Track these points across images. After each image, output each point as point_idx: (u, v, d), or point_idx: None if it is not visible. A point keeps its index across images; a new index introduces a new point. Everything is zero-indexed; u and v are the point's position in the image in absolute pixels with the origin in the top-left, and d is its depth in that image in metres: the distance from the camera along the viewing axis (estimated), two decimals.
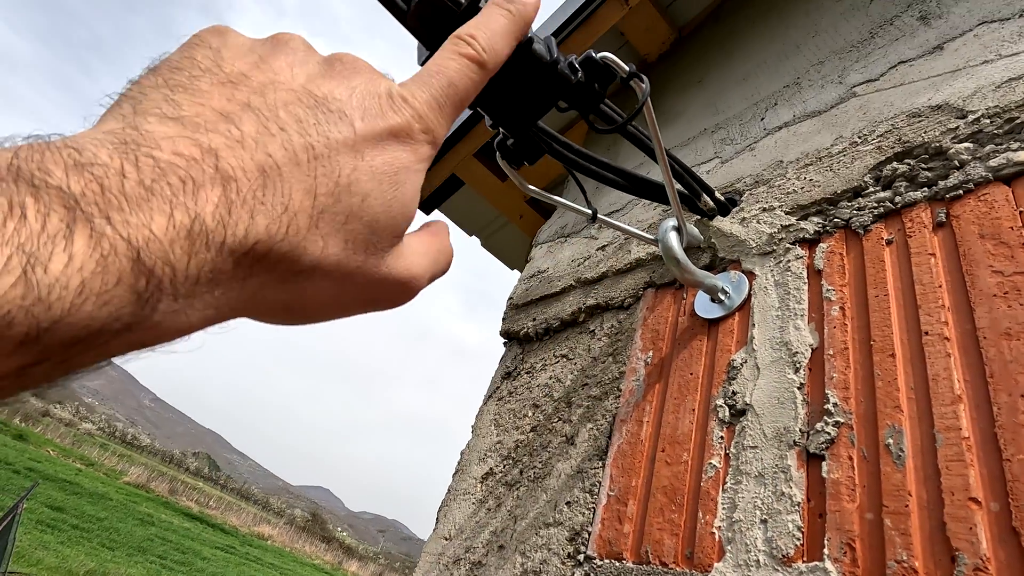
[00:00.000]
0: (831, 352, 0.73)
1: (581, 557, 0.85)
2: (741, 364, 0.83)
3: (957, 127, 0.78)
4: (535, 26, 2.05)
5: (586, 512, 0.90)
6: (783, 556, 0.63)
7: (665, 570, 0.73)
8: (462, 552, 1.08)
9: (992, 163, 0.72)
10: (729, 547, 0.68)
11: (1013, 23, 0.86)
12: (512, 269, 2.89)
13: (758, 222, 0.97)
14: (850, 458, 0.64)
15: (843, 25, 1.22)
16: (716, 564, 0.68)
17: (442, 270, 0.39)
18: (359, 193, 0.30)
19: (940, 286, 0.68)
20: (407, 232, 0.36)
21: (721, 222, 1.03)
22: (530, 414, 1.19)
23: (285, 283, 0.29)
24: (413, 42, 0.75)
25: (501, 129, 0.76)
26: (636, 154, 1.56)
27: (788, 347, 0.78)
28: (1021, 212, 0.67)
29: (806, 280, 0.84)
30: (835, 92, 1.06)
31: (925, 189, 0.77)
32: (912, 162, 0.81)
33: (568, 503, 0.94)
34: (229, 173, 0.25)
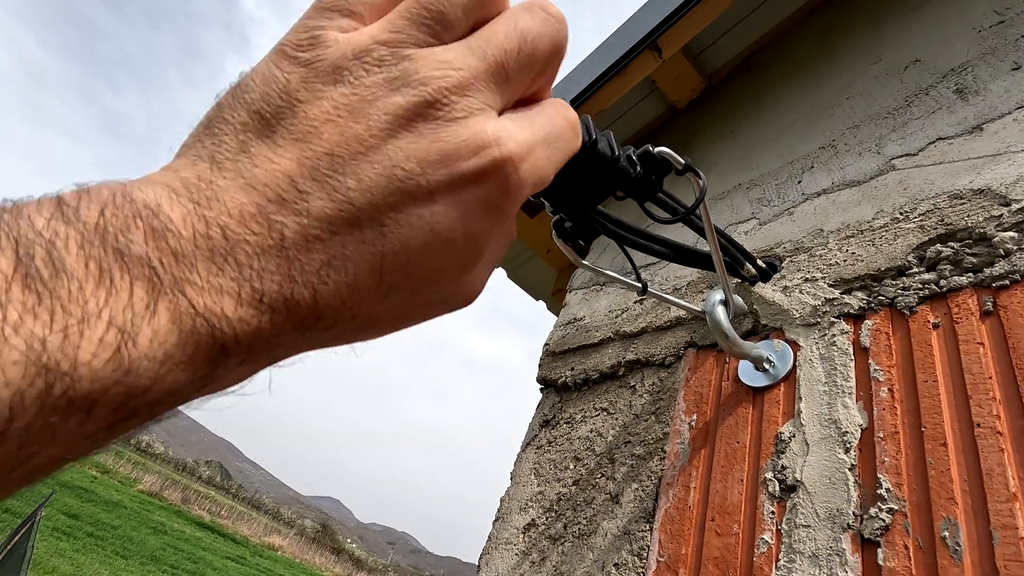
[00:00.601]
0: (881, 435, 0.76)
1: None
2: (789, 438, 0.86)
3: (1001, 215, 0.81)
4: (566, 71, 2.11)
5: None
6: None
7: None
8: None
9: None
10: None
11: None
12: (537, 300, 2.93)
13: (801, 292, 1.00)
14: (906, 547, 0.66)
15: (877, 89, 1.26)
16: None
17: (499, 259, 0.35)
18: (430, 267, 0.28)
19: (990, 377, 0.71)
20: None
21: (763, 289, 1.06)
22: (571, 467, 1.22)
23: (345, 336, 0.29)
24: None
25: (560, 213, 0.80)
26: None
27: (837, 425, 0.81)
28: None
29: (852, 357, 0.87)
30: (874, 163, 1.09)
31: (970, 275, 0.80)
32: (956, 245, 0.84)
33: (616, 565, 0.97)
34: (292, 253, 0.25)
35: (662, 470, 1.01)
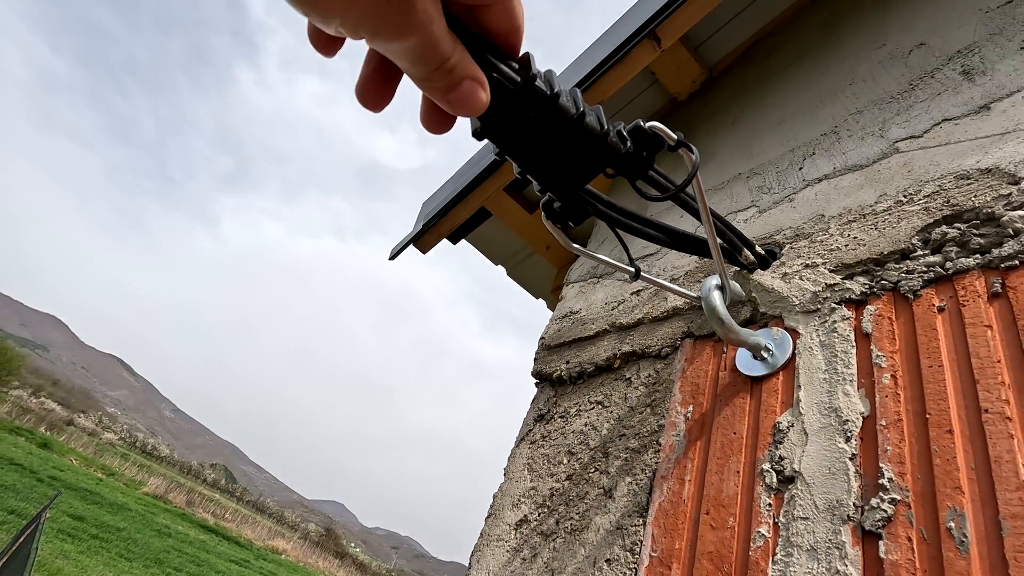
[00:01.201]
0: (884, 423, 0.72)
1: None
2: (788, 428, 0.82)
3: (1010, 193, 0.78)
4: (566, 63, 2.08)
5: (627, 572, 0.89)
6: None
7: None
8: None
9: None
10: None
11: None
12: (536, 298, 2.90)
13: (800, 278, 0.96)
14: (909, 539, 0.63)
15: (881, 75, 1.22)
16: None
17: (439, 59, 0.38)
18: None
19: (999, 361, 0.67)
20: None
21: (762, 276, 1.03)
22: (565, 461, 1.18)
23: None
24: None
25: (549, 193, 0.77)
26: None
27: (838, 414, 0.77)
28: None
29: (854, 343, 0.83)
30: (877, 146, 1.06)
31: (978, 256, 0.76)
32: (962, 226, 0.80)
33: (608, 560, 0.93)
34: None
35: (656, 463, 0.98)
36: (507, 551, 1.14)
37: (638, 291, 1.33)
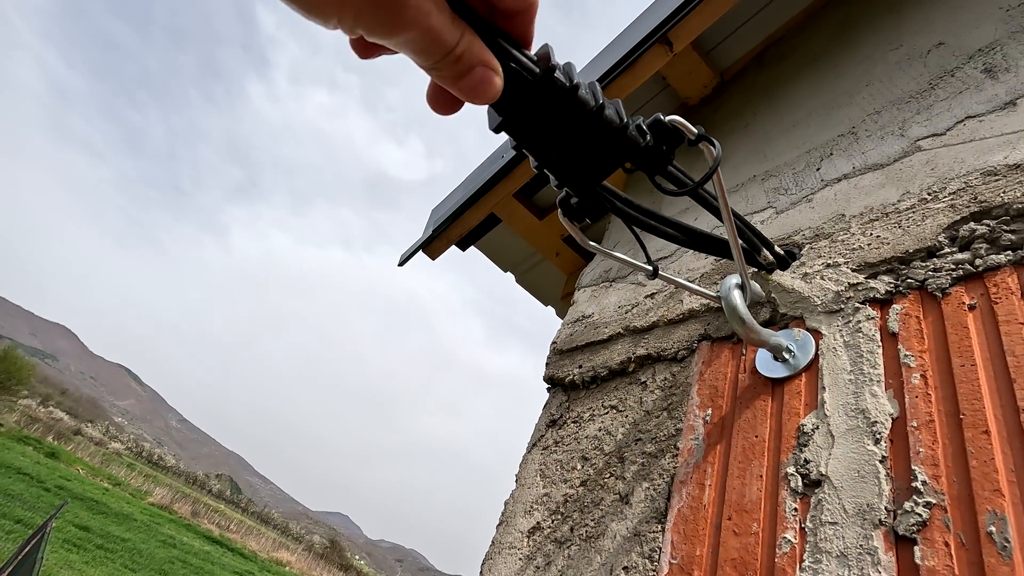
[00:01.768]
0: (915, 424, 0.70)
1: None
2: (812, 430, 0.79)
3: None
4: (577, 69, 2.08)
5: None
6: None
7: None
8: None
9: None
10: None
11: None
12: (546, 305, 2.88)
13: (822, 278, 0.94)
14: (946, 544, 0.60)
15: (899, 75, 1.21)
16: None
17: (444, 48, 0.38)
18: None
19: None
20: None
21: (781, 276, 1.01)
22: (579, 467, 1.16)
23: None
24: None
25: (566, 189, 0.76)
26: (661, 197, 1.55)
27: (865, 415, 0.75)
28: None
29: (880, 343, 0.80)
30: (897, 145, 1.04)
31: (1009, 252, 0.74)
32: (992, 223, 0.78)
33: (626, 568, 0.90)
34: None
35: (675, 468, 0.95)
36: (520, 559, 1.12)
37: (652, 294, 1.31)
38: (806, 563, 0.69)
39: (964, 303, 0.75)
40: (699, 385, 1.02)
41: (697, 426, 0.97)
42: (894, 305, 0.82)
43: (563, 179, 0.71)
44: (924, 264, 0.82)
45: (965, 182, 0.86)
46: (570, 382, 1.35)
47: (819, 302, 0.92)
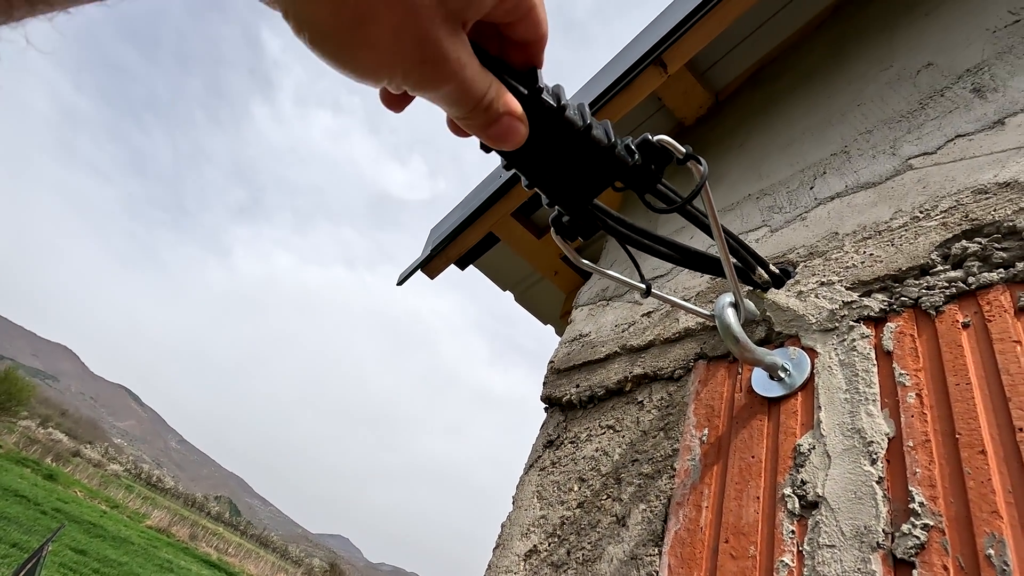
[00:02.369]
0: (911, 444, 0.69)
1: None
2: (809, 450, 0.78)
3: None
4: (574, 91, 2.11)
5: None
6: None
7: None
8: None
9: None
10: None
11: None
12: (545, 324, 2.87)
13: (817, 296, 0.94)
14: (945, 568, 0.59)
15: (890, 95, 1.22)
16: None
17: (476, 97, 0.40)
18: None
19: None
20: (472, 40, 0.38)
21: (776, 295, 1.00)
22: (576, 488, 1.14)
23: None
24: None
25: (557, 207, 0.76)
26: (656, 216, 1.56)
27: (861, 435, 0.74)
28: None
29: (875, 361, 0.80)
30: (889, 164, 1.05)
31: (1001, 270, 0.74)
32: (984, 241, 0.78)
33: None
34: None
35: (671, 489, 0.94)
36: None
37: (648, 313, 1.30)
38: None
39: (958, 321, 0.75)
40: (695, 404, 1.01)
41: (694, 446, 0.96)
42: (888, 323, 0.82)
43: (554, 198, 0.71)
44: (917, 282, 0.82)
45: (956, 200, 0.86)
46: (567, 402, 1.34)
47: (814, 320, 0.91)
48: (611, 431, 1.17)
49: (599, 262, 1.90)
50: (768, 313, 0.99)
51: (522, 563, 1.12)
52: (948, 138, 0.98)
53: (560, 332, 2.78)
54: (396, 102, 0.44)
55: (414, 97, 0.43)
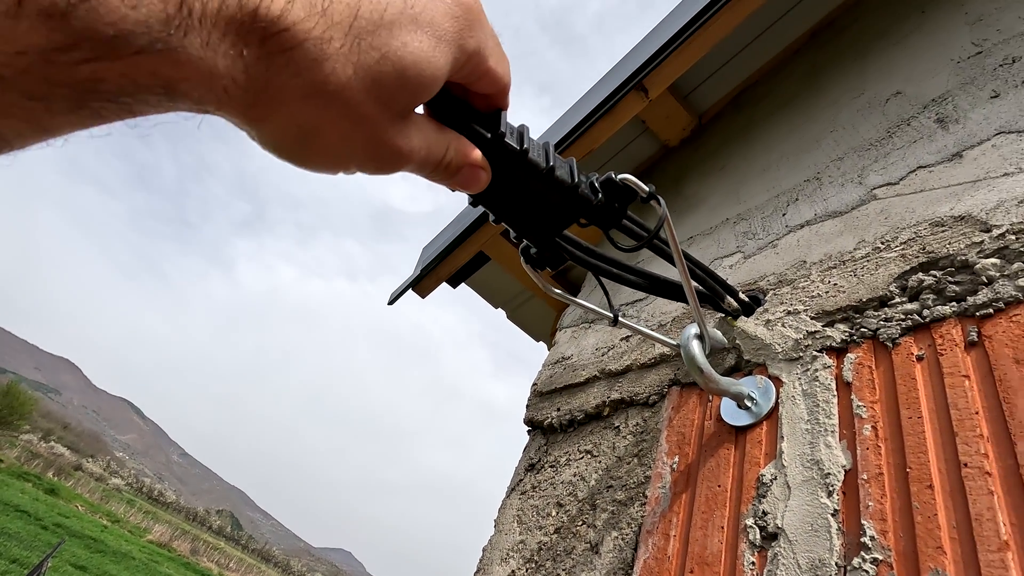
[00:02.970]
0: (865, 477, 0.70)
1: None
2: (771, 481, 0.80)
3: (982, 241, 0.78)
4: (565, 109, 2.14)
5: None
6: None
7: None
8: None
9: (1021, 282, 0.70)
10: None
11: None
12: (537, 341, 2.89)
13: (783, 325, 0.96)
14: None
15: (861, 122, 1.24)
16: None
17: (435, 162, 0.42)
18: (400, 37, 0.32)
19: (977, 412, 0.66)
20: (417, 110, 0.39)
21: (745, 323, 1.02)
22: (554, 513, 1.16)
23: (305, 100, 0.30)
24: None
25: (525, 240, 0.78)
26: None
27: (820, 466, 0.75)
28: None
29: (835, 392, 0.81)
30: (856, 193, 1.07)
31: (954, 304, 0.76)
32: (938, 274, 0.80)
33: None
34: None
35: (642, 517, 0.95)
36: None
37: (627, 337, 1.32)
38: None
39: (913, 354, 0.76)
40: (668, 431, 1.03)
41: (665, 474, 0.97)
42: (848, 354, 0.84)
43: (521, 232, 0.73)
44: (876, 313, 0.84)
45: (915, 232, 0.88)
46: (549, 425, 1.35)
47: (780, 349, 0.93)
48: (589, 456, 1.18)
49: (583, 285, 1.92)
50: (738, 341, 1.01)
51: None
52: (911, 168, 1.00)
53: (551, 349, 2.79)
54: None
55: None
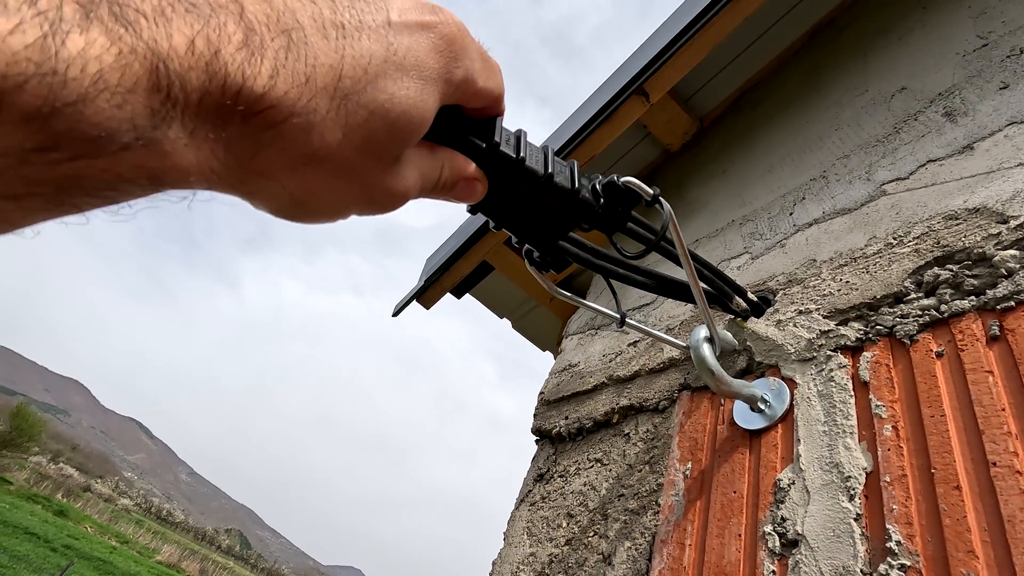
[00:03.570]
0: (888, 479, 0.68)
1: None
2: (789, 485, 0.77)
3: (1000, 232, 0.76)
4: (567, 115, 2.14)
5: None
6: None
7: None
8: None
9: None
10: None
11: None
12: (543, 351, 2.86)
13: (795, 325, 0.93)
14: None
15: (866, 119, 1.23)
16: None
17: (431, 186, 0.41)
18: (386, 90, 0.30)
19: (1003, 409, 0.63)
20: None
21: (756, 324, 1.00)
22: (564, 524, 1.13)
23: (295, 169, 0.29)
24: None
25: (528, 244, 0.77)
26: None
27: (839, 469, 0.73)
28: None
29: (852, 392, 0.79)
30: (864, 189, 1.05)
31: (973, 298, 0.74)
32: (955, 268, 0.78)
33: None
34: (252, 25, 0.25)
35: (656, 526, 0.92)
36: None
37: (635, 342, 1.30)
38: None
39: (932, 350, 0.74)
40: (679, 437, 1.00)
41: (678, 481, 0.94)
42: (864, 353, 0.81)
43: (522, 238, 0.72)
44: (892, 310, 0.82)
45: (928, 226, 0.86)
46: (557, 434, 1.33)
47: (792, 350, 0.91)
48: (599, 464, 1.16)
49: (590, 287, 1.90)
50: (748, 343, 0.99)
51: None
52: (920, 163, 0.98)
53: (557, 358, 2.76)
54: None
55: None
